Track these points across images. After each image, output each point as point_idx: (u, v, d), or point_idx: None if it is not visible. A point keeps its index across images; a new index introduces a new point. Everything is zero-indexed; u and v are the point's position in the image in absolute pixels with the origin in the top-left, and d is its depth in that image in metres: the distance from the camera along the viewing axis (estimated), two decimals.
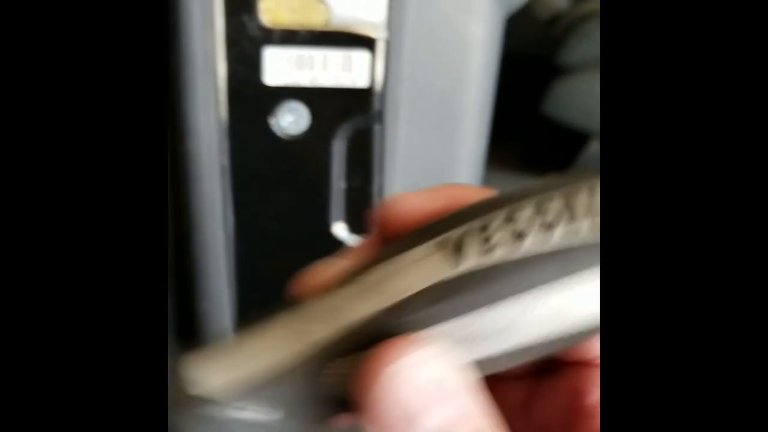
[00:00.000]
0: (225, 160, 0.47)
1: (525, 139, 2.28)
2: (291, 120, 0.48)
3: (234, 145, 0.47)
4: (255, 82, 0.46)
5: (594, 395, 0.28)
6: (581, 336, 0.23)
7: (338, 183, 0.50)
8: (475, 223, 0.22)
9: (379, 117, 0.49)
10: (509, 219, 0.22)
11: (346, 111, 0.48)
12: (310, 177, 0.49)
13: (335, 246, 0.52)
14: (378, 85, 0.48)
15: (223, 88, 0.45)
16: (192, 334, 0.50)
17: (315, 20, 0.46)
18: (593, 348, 0.27)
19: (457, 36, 0.56)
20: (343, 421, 0.26)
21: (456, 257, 0.22)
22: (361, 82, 0.47)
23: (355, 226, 0.52)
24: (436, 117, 0.59)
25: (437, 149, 0.60)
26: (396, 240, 0.24)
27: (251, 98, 0.46)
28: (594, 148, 2.00)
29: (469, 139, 0.61)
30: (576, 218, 0.22)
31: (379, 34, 0.47)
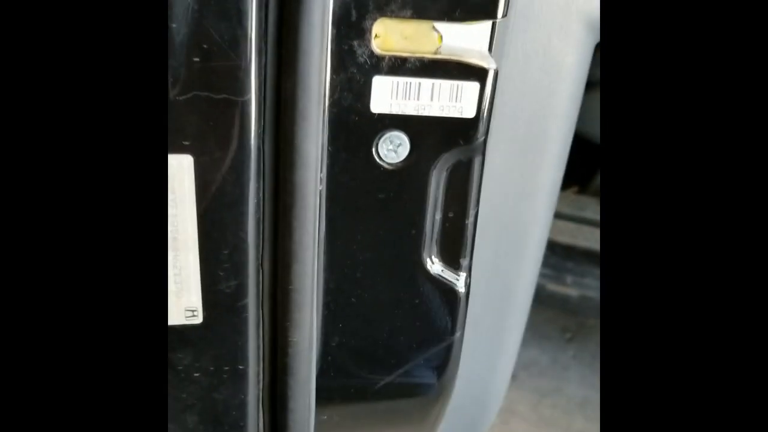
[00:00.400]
0: (321, 186, 0.45)
1: None
2: (391, 148, 0.46)
3: (332, 173, 0.45)
4: (360, 109, 0.44)
5: None
6: None
7: (434, 213, 0.48)
8: None
9: (482, 148, 0.47)
10: None
11: (449, 141, 0.46)
12: (406, 207, 0.48)
13: (424, 277, 0.50)
14: (484, 115, 0.46)
15: (326, 115, 0.44)
16: (278, 366, 0.48)
17: (426, 48, 0.44)
18: None
19: (551, 63, 0.54)
20: None
21: None
22: (468, 112, 0.46)
23: (447, 258, 0.50)
24: (521, 144, 0.57)
25: (518, 176, 0.59)
26: None
27: (354, 126, 0.44)
28: None
29: (550, 167, 0.60)
30: None
31: (490, 64, 0.45)
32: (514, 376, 2.01)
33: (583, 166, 2.03)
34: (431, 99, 0.45)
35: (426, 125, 0.46)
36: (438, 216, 0.49)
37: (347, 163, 0.45)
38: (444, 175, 0.48)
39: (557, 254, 1.72)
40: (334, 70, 0.43)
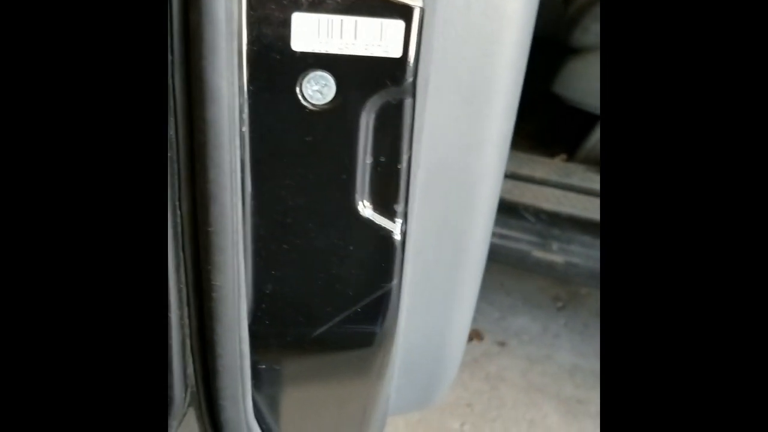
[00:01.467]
0: (245, 128, 0.45)
1: (535, 118, 2.25)
2: (316, 89, 0.45)
3: (255, 113, 0.44)
4: (281, 47, 0.43)
5: None
6: None
7: (365, 157, 0.47)
8: None
9: (412, 90, 0.46)
10: None
11: (376, 82, 0.45)
12: (336, 150, 0.47)
13: (358, 223, 0.49)
14: (411, 56, 0.45)
15: (245, 52, 0.43)
16: (204, 310, 0.47)
17: None
18: None
19: (493, 9, 0.53)
20: None
21: None
22: (393, 52, 0.45)
23: (380, 204, 0.50)
24: (466, 93, 0.56)
25: (465, 126, 0.58)
26: None
27: (276, 65, 0.43)
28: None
29: (498, 117, 0.59)
30: None
31: (415, 2, 0.44)
32: (505, 344, 2.01)
33: (571, 133, 2.02)
34: (355, 37, 0.44)
35: (351, 65, 0.45)
36: (369, 160, 0.48)
37: (271, 104, 0.45)
38: (373, 117, 0.47)
39: (543, 221, 1.71)
40: (252, 6, 0.42)
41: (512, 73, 0.58)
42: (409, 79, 0.46)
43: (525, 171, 1.80)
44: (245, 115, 0.44)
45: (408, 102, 0.47)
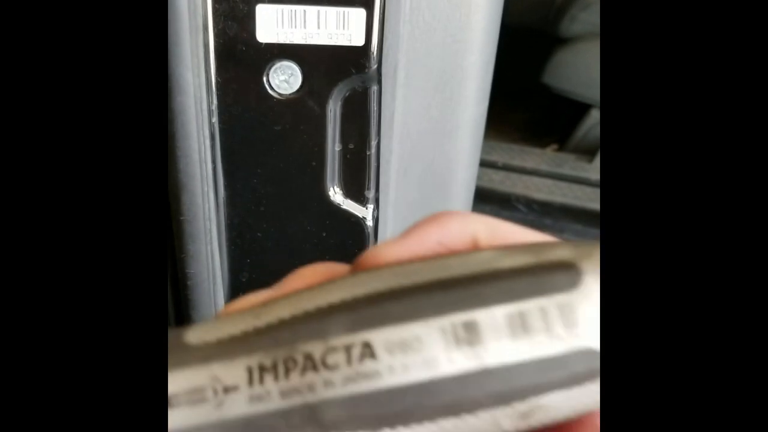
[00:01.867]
0: (215, 119, 0.46)
1: (525, 109, 2.26)
2: (283, 79, 0.46)
3: (224, 104, 0.46)
4: (247, 39, 0.44)
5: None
6: None
7: (334, 145, 0.49)
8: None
9: (376, 77, 0.47)
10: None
11: (341, 70, 0.46)
12: (305, 138, 0.48)
13: (330, 210, 0.51)
14: (374, 43, 0.46)
15: (212, 45, 0.44)
16: (181, 298, 0.49)
17: None
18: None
19: None
20: None
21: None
22: (357, 40, 0.46)
23: (351, 190, 0.51)
24: (437, 80, 0.57)
25: (437, 113, 0.59)
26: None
27: (242, 56, 0.45)
28: (594, 116, 1.98)
29: (469, 103, 0.60)
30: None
31: None
32: None
33: (562, 123, 2.02)
34: (318, 27, 0.45)
35: (316, 54, 0.46)
36: (338, 147, 0.49)
37: (239, 95, 0.46)
38: (340, 105, 0.48)
39: (535, 211, 1.72)
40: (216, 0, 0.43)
41: (482, 58, 0.59)
42: (374, 67, 0.47)
43: (516, 162, 1.81)
44: (214, 107, 0.45)
45: (374, 89, 0.48)
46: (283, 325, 0.20)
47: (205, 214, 0.46)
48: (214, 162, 0.46)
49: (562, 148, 1.98)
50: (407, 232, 0.25)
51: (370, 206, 0.52)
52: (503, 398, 0.20)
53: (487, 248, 0.22)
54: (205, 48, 0.43)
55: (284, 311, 0.21)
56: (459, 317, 0.20)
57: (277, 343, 0.20)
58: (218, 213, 0.48)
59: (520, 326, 0.20)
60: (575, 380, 0.20)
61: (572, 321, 0.20)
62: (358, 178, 0.50)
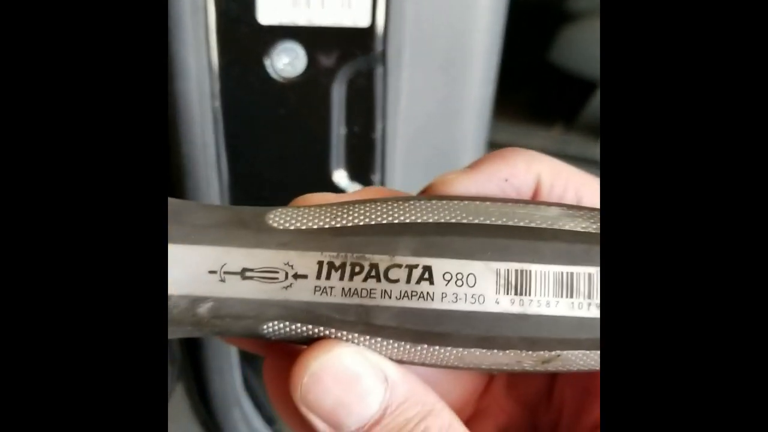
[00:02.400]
0: (217, 103, 0.45)
1: (532, 87, 2.24)
2: (287, 62, 0.45)
3: (227, 88, 0.45)
4: (248, 20, 0.43)
5: None
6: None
7: (338, 128, 0.48)
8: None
9: (382, 59, 0.46)
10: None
11: (346, 52, 0.45)
12: (309, 122, 0.47)
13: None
14: (380, 24, 0.45)
15: (213, 27, 0.43)
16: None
17: None
18: None
19: None
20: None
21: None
22: (362, 21, 0.45)
23: (357, 174, 0.50)
24: (442, 60, 0.56)
25: (443, 94, 0.58)
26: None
27: (244, 38, 0.44)
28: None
29: (476, 83, 0.59)
30: None
31: None
32: None
33: (568, 102, 2.00)
34: (322, 7, 0.44)
35: (320, 36, 0.45)
36: (343, 131, 0.48)
37: (241, 78, 0.45)
38: (345, 88, 0.47)
39: None
40: None
41: (489, 39, 0.58)
42: (379, 48, 0.46)
43: (522, 142, 1.80)
44: (216, 91, 0.44)
45: (379, 71, 0.47)
46: (356, 230, 0.22)
47: (209, 200, 0.45)
48: (217, 147, 0.45)
49: (568, 128, 1.96)
50: (475, 165, 0.26)
51: None
52: (533, 344, 0.22)
53: (554, 204, 0.24)
54: (206, 30, 0.42)
55: (359, 217, 0.23)
56: (515, 266, 0.22)
57: (349, 247, 0.22)
58: (222, 199, 0.47)
59: (567, 286, 0.22)
60: (599, 345, 0.22)
61: None
62: (364, 161, 0.49)
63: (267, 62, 0.45)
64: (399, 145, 0.55)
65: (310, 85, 0.46)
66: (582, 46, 1.90)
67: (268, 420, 0.64)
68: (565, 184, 0.27)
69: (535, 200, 0.27)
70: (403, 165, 0.57)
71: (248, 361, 0.56)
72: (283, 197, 0.49)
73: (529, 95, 2.14)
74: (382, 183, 0.51)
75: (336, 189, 0.50)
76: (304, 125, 0.47)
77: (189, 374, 0.52)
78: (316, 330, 0.23)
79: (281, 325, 0.23)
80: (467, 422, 0.31)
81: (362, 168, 0.50)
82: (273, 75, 0.45)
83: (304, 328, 0.23)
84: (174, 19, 0.39)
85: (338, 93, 0.47)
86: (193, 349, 0.51)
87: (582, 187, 0.28)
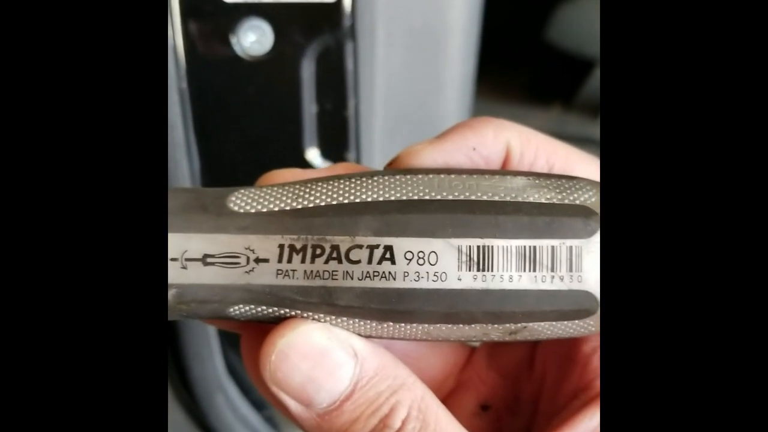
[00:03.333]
0: (184, 84, 0.44)
1: (530, 68, 2.22)
2: (253, 39, 0.44)
3: (192, 68, 0.44)
4: None
5: (588, 344, 0.28)
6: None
7: (310, 106, 0.47)
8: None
9: (351, 34, 0.45)
10: None
11: (314, 28, 0.45)
12: (279, 100, 0.46)
13: None
14: None
15: (176, 3, 0.42)
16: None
17: None
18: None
19: None
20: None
21: None
22: None
23: (330, 152, 0.49)
24: (419, 37, 0.55)
25: (421, 71, 0.57)
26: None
27: (208, 16, 0.43)
28: (599, 75, 1.95)
29: (455, 60, 0.58)
30: None
31: None
32: None
33: (566, 82, 1.98)
34: None
35: (287, 12, 0.44)
36: (314, 109, 0.47)
37: (207, 58, 0.44)
38: (314, 64, 0.46)
39: None
40: None
41: (466, 13, 0.57)
42: (348, 24, 0.45)
43: (520, 123, 1.78)
44: (183, 71, 0.44)
45: (349, 47, 0.46)
46: (317, 212, 0.22)
47: (180, 183, 0.44)
48: (186, 129, 0.45)
49: (566, 107, 1.94)
50: (443, 135, 0.26)
51: None
52: (498, 318, 0.22)
53: (521, 174, 0.24)
54: (169, 8, 0.41)
55: (321, 197, 0.23)
56: (477, 242, 0.22)
57: (310, 229, 0.22)
58: (192, 182, 0.46)
59: (530, 260, 0.22)
60: (565, 316, 0.22)
61: (577, 266, 0.22)
62: (338, 139, 0.49)
63: (233, 40, 0.44)
64: (377, 123, 0.54)
65: (279, 63, 0.45)
66: (579, 26, 1.88)
67: (257, 405, 0.64)
68: (535, 152, 0.27)
69: (503, 170, 0.27)
70: (382, 143, 0.56)
71: (231, 345, 0.55)
72: (255, 179, 0.49)
73: (527, 76, 2.13)
74: (358, 161, 0.50)
75: (309, 168, 0.49)
76: (275, 104, 0.46)
77: (169, 360, 0.51)
78: (282, 312, 0.23)
79: (247, 308, 0.23)
80: (449, 395, 0.31)
81: (336, 146, 0.49)
82: (240, 53, 0.44)
83: (270, 310, 0.23)
84: None
85: (308, 70, 0.46)
86: (171, 335, 0.50)
87: (552, 155, 0.27)
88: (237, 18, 0.43)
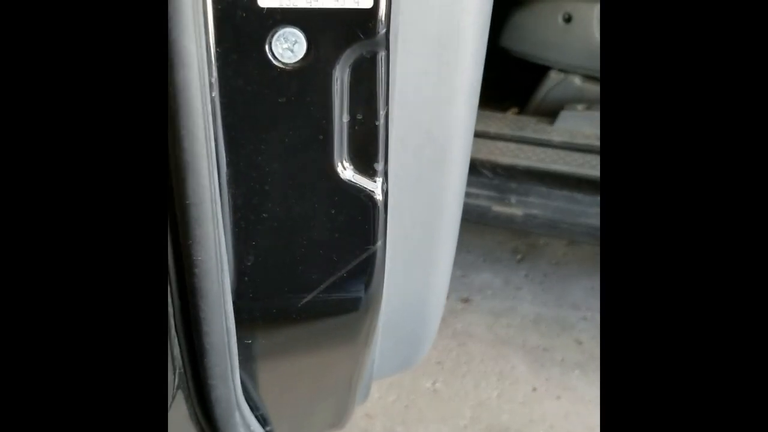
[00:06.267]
0: (215, 93, 0.42)
1: (486, 73, 2.23)
2: (286, 47, 0.43)
3: (224, 77, 0.42)
4: (247, 4, 0.40)
5: None
6: None
7: (341, 116, 0.46)
8: None
9: (385, 42, 0.44)
10: None
11: (348, 36, 0.43)
12: (310, 110, 0.45)
13: (338, 185, 0.48)
14: (383, 5, 0.43)
15: (210, 11, 0.40)
16: (187, 288, 0.45)
17: None
18: None
19: None
20: None
21: None
22: (364, 2, 0.43)
23: (360, 164, 0.48)
24: (434, 44, 0.54)
25: (435, 79, 0.56)
26: None
27: (242, 23, 0.41)
28: (553, 78, 1.98)
29: (467, 68, 0.57)
30: None
31: None
32: (469, 301, 2.03)
33: (520, 86, 2.02)
34: None
35: (321, 19, 0.43)
36: (346, 118, 0.46)
37: (240, 65, 0.42)
38: (347, 73, 0.45)
39: (500, 175, 1.72)
40: None
41: (479, 22, 0.57)
42: (382, 31, 0.44)
43: (479, 127, 1.80)
44: (214, 79, 0.42)
45: (382, 55, 0.45)
46: None
47: (212, 195, 0.42)
48: (215, 139, 0.43)
49: (522, 111, 1.97)
50: None
51: (380, 179, 0.49)
52: None
53: None
54: (204, 16, 0.40)
55: None
56: None
57: None
58: (221, 194, 0.44)
59: None
60: None
61: None
62: (368, 150, 0.47)
63: (266, 48, 0.42)
64: (392, 132, 0.53)
65: (311, 72, 0.44)
66: (532, 31, 1.91)
67: (263, 421, 0.62)
68: None
69: None
70: (396, 152, 0.55)
71: (246, 364, 0.53)
72: (284, 190, 0.47)
73: (483, 81, 2.16)
74: (386, 172, 0.49)
75: (340, 180, 0.48)
76: (306, 114, 0.45)
77: (189, 381, 0.49)
78: None
79: None
80: None
81: (366, 157, 0.48)
82: (273, 61, 0.43)
83: None
84: (172, 3, 0.36)
85: (340, 79, 0.45)
86: (193, 355, 0.48)
87: None
88: (271, 24, 0.42)
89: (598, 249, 2.16)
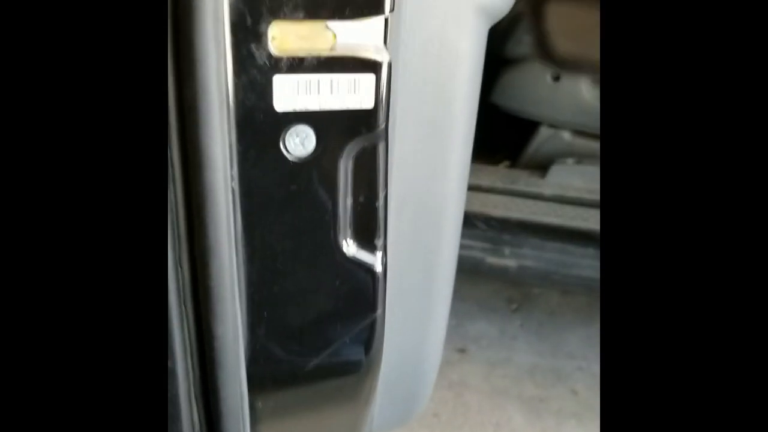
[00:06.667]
0: (234, 183, 0.48)
1: (477, 128, 2.29)
2: (298, 141, 0.48)
3: (243, 170, 0.48)
4: (264, 108, 0.46)
5: None
6: None
7: (345, 199, 0.51)
8: None
9: (384, 135, 0.50)
10: None
11: (352, 131, 0.49)
12: (318, 196, 0.50)
13: (342, 261, 0.53)
14: (383, 104, 0.49)
15: (233, 116, 0.46)
16: (207, 358, 0.50)
17: (321, 45, 0.47)
18: None
19: (447, 50, 0.57)
20: None
21: None
22: (367, 103, 0.49)
23: (362, 240, 0.53)
24: (428, 128, 0.60)
25: (429, 157, 0.62)
26: None
27: (260, 125, 0.47)
28: (543, 133, 2.05)
29: (458, 146, 0.63)
30: None
31: (383, 57, 0.48)
32: (465, 351, 2.06)
33: (512, 140, 2.09)
34: (331, 93, 0.48)
35: (329, 118, 0.48)
36: (349, 201, 0.52)
37: (257, 160, 0.48)
38: (351, 162, 0.51)
39: (493, 228, 1.77)
40: (236, 74, 0.45)
41: (468, 105, 0.63)
42: (382, 126, 0.50)
43: (471, 180, 1.85)
44: (234, 173, 0.47)
45: (381, 145, 0.51)
46: None
47: (233, 277, 0.48)
48: (234, 225, 0.48)
49: (514, 164, 2.03)
50: None
51: (379, 253, 0.54)
52: None
53: None
54: (228, 120, 0.45)
55: None
56: None
57: None
58: (238, 273, 0.50)
59: None
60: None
61: None
62: (369, 228, 0.53)
63: (280, 144, 0.48)
64: (390, 206, 0.59)
65: (320, 162, 0.49)
66: (523, 88, 1.99)
67: None
68: None
69: None
70: (393, 223, 0.61)
71: (256, 426, 0.58)
72: (294, 267, 0.52)
73: (475, 134, 2.22)
74: (385, 246, 0.54)
75: (343, 256, 0.53)
76: (314, 199, 0.50)
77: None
78: None
79: None
80: None
81: (367, 234, 0.53)
82: (285, 155, 0.48)
83: None
84: (203, 116, 0.42)
85: (345, 167, 0.50)
86: (211, 420, 0.53)
87: None
88: (285, 124, 0.48)
89: (591, 299, 2.20)
